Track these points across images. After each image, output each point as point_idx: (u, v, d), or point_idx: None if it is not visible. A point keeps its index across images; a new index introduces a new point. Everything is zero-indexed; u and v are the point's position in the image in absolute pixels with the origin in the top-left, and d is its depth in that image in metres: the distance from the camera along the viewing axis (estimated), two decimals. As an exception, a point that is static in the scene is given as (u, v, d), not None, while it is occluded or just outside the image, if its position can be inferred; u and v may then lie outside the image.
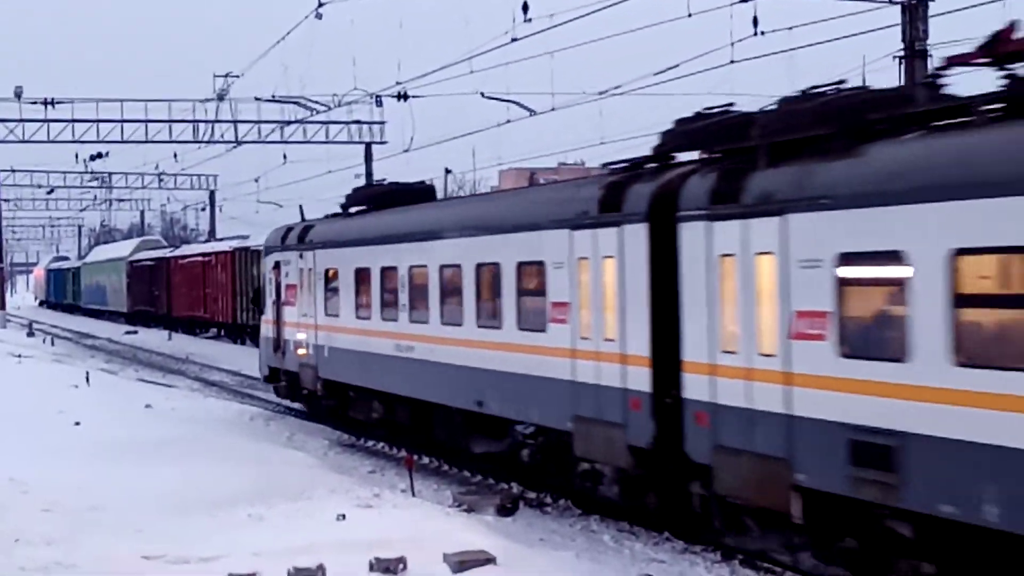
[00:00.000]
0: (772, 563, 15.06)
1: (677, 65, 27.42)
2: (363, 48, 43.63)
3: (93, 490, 17.70)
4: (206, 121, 53.12)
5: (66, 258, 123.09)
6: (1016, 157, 10.85)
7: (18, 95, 50.55)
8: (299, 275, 28.24)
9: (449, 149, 43.83)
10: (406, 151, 43.90)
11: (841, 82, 14.41)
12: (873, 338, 12.59)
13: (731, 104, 16.33)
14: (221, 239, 68.69)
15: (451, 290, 21.23)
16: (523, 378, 18.72)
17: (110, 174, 78.87)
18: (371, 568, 13.51)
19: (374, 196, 27.32)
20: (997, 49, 12.16)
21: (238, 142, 54.57)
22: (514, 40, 27.23)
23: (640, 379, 16.01)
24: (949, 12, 24.30)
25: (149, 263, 73.84)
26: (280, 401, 31.61)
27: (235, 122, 53.42)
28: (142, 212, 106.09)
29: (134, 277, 76.96)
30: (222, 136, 54.43)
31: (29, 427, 24.35)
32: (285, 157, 57.41)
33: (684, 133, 16.46)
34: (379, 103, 49.66)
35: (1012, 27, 12.23)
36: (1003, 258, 11.04)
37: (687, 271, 15.07)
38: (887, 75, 26.29)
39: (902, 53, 26.40)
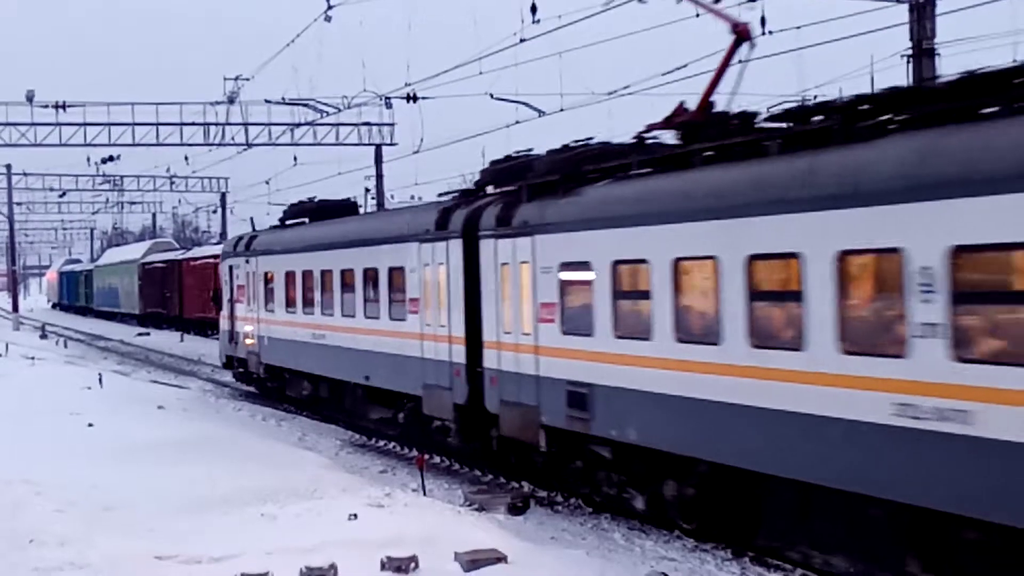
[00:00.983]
0: (783, 560, 15.14)
1: (685, 65, 27.45)
2: (372, 50, 43.77)
3: (106, 491, 17.77)
4: (217, 124, 53.21)
5: (78, 261, 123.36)
6: (640, 199, 16.48)
7: (30, 99, 50.70)
8: (246, 278, 33.95)
9: (458, 150, 43.90)
10: (416, 152, 44.01)
11: (589, 138, 19.74)
12: (577, 320, 17.69)
13: (531, 149, 21.45)
14: (232, 241, 68.77)
15: (348, 289, 26.64)
16: (393, 357, 24.10)
17: (122, 177, 79.21)
18: (383, 567, 13.55)
19: (306, 211, 32.61)
20: (673, 120, 17.20)
21: (249, 144, 54.67)
22: (523, 41, 27.36)
23: (460, 354, 21.30)
24: (957, 11, 24.31)
25: (161, 265, 74.01)
26: (285, 404, 32.02)
27: (246, 124, 53.51)
28: (154, 215, 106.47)
29: (146, 279, 77.12)
30: (233, 138, 54.50)
31: (43, 428, 24.45)
32: (296, 159, 57.67)
33: (491, 172, 22.14)
34: (388, 105, 49.78)
35: (681, 105, 17.19)
36: (632, 268, 16.47)
37: (484, 275, 20.43)
38: (895, 74, 26.33)
39: (910, 52, 26.43)
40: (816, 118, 14.12)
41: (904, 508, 12.28)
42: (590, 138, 19.83)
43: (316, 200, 33.73)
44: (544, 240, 18.38)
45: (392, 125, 54.63)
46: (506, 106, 38.43)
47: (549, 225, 18.29)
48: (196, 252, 69.69)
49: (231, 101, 50.56)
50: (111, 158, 63.39)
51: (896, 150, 12.25)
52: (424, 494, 19.47)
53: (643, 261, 16.05)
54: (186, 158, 61.66)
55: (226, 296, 35.99)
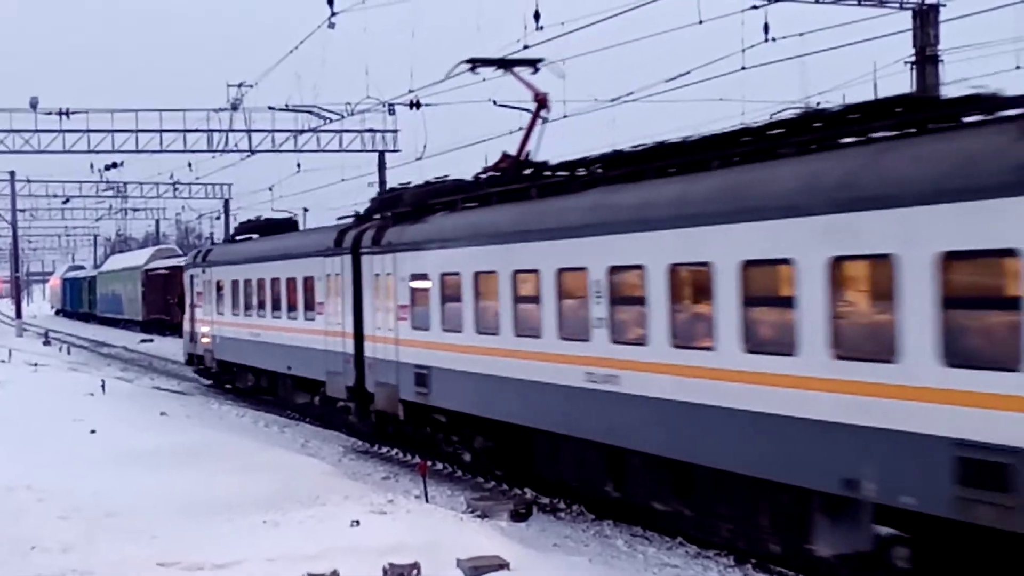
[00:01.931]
0: (785, 567, 15.11)
1: (689, 72, 27.58)
2: (376, 57, 43.75)
3: (109, 497, 17.80)
4: (220, 130, 53.36)
5: (82, 267, 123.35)
6: (455, 227, 21.83)
7: (34, 106, 50.83)
8: (203, 285, 39.36)
9: (461, 157, 43.90)
10: (419, 159, 44.06)
11: (445, 176, 24.88)
12: (421, 318, 22.85)
13: (409, 182, 26.97)
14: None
15: (277, 295, 32.06)
16: (306, 350, 29.44)
17: (125, 183, 79.17)
18: (385, 574, 13.54)
19: (253, 227, 38.55)
20: (499, 165, 22.47)
21: (252, 151, 54.74)
22: (526, 48, 27.29)
23: (350, 346, 26.49)
24: (960, 17, 24.34)
25: (164, 272, 73.97)
26: (287, 409, 31.96)
27: (249, 131, 53.61)
28: (157, 221, 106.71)
29: (149, 286, 77.10)
30: (236, 145, 54.60)
31: (45, 435, 24.48)
32: (299, 166, 57.62)
33: (377, 201, 27.65)
34: (392, 111, 49.86)
35: (504, 155, 22.50)
36: (452, 278, 21.48)
37: (365, 283, 25.72)
38: (899, 80, 26.31)
39: (913, 58, 26.43)
40: (578, 170, 19.40)
41: (599, 445, 17.66)
42: (446, 175, 24.82)
43: (262, 218, 39.98)
44: (401, 256, 23.75)
45: (395, 132, 54.80)
46: (509, 113, 38.32)
47: (405, 244, 23.65)
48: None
49: (235, 107, 50.64)
50: (115, 164, 63.42)
51: (587, 201, 17.91)
52: (427, 501, 19.46)
53: (456, 273, 21.38)
54: (189, 164, 61.69)
55: (188, 301, 41.78)
